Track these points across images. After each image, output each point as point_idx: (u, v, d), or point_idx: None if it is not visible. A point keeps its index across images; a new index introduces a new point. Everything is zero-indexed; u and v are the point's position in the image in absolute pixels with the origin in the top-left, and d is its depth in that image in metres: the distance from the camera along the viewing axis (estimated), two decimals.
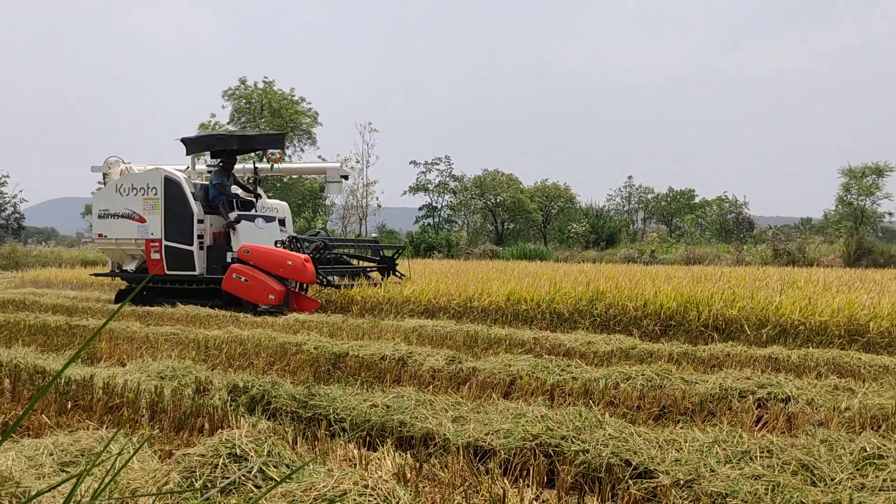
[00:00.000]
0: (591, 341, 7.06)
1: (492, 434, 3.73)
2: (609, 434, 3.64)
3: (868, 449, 3.28)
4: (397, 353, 6.17)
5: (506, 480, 3.36)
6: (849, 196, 32.28)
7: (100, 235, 12.97)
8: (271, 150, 13.01)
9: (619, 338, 7.35)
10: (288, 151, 48.96)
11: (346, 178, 14.22)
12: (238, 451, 3.00)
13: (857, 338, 7.53)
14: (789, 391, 4.71)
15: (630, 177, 72.51)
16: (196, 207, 11.98)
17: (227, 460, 2.95)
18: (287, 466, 2.99)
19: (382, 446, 3.84)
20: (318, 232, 12.76)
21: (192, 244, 11.90)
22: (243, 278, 10.91)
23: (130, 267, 12.86)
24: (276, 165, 13.30)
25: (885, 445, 3.30)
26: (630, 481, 3.26)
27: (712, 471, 3.21)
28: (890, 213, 37.97)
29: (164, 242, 12.09)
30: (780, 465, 3.22)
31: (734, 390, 4.79)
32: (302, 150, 48.37)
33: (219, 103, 46.24)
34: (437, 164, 53.99)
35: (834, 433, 3.59)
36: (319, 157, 43.46)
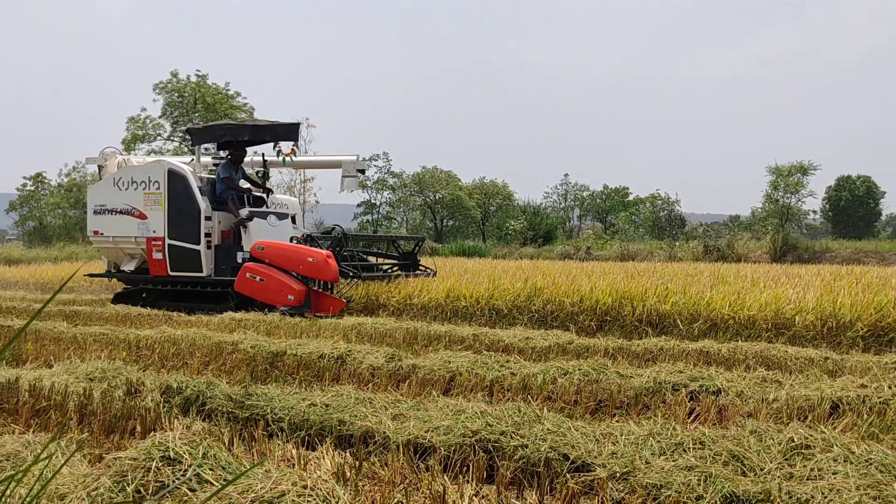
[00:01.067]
0: (530, 337, 7.13)
1: (432, 431, 3.73)
2: (547, 429, 3.68)
3: (796, 439, 3.40)
4: (336, 351, 6.11)
5: (446, 477, 3.37)
6: (776, 194, 33.44)
7: (95, 233, 11.87)
8: (284, 143, 11.91)
9: (556, 333, 7.45)
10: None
11: (362, 172, 12.85)
12: (172, 454, 2.92)
13: (783, 331, 7.80)
14: (720, 384, 4.85)
15: (566, 174, 73.48)
16: (203, 203, 10.95)
17: (160, 463, 2.87)
18: (223, 468, 2.93)
19: (321, 446, 3.80)
20: (334, 228, 11.67)
21: (198, 243, 10.90)
22: (258, 278, 10.04)
23: (129, 267, 11.76)
24: (287, 159, 12.21)
25: (811, 436, 3.43)
26: (568, 475, 3.31)
27: (647, 463, 3.28)
28: (814, 211, 39.44)
29: (168, 241, 11.08)
30: (712, 456, 3.31)
31: (668, 384, 4.90)
32: None
33: (149, 96, 45.07)
34: (376, 160, 53.78)
35: (763, 424, 3.71)
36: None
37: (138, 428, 4.01)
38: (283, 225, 11.16)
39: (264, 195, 12.12)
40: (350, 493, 2.81)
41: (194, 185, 10.99)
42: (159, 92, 43.14)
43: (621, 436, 3.62)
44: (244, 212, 11.05)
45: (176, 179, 11.08)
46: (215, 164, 12.03)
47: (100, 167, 12.74)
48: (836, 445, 3.31)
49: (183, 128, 40.44)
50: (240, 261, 10.75)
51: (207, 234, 11.00)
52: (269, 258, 10.10)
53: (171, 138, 41.84)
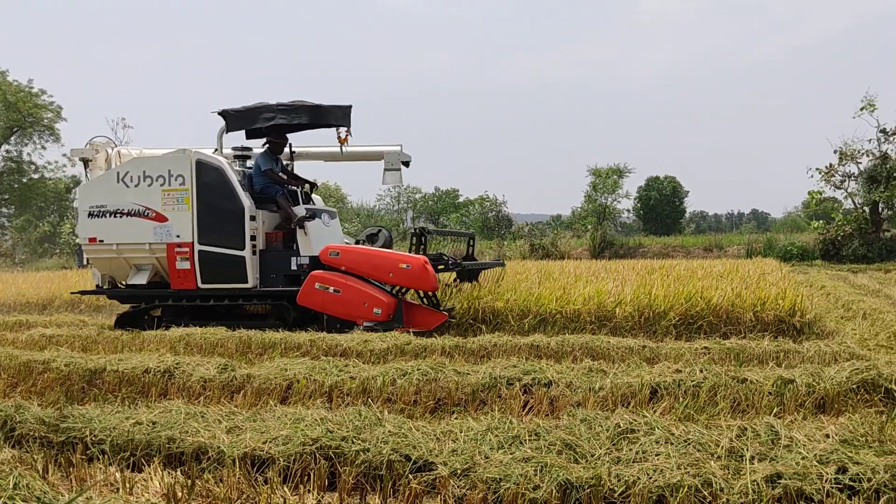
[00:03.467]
0: (368, 340, 7.10)
1: (270, 442, 3.61)
2: (389, 431, 3.67)
3: (622, 424, 3.61)
4: (163, 364, 5.77)
5: (286, 488, 3.27)
6: (595, 194, 35.55)
7: (91, 240, 9.54)
8: (341, 128, 9.97)
9: (394, 334, 7.46)
10: (27, 149, 44.24)
11: (406, 164, 10.88)
12: None
13: (605, 323, 8.29)
14: (551, 376, 5.05)
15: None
16: (248, 201, 9.10)
17: None
18: (38, 500, 2.66)
19: (149, 466, 3.57)
20: (380, 231, 10.04)
21: (242, 248, 9.02)
22: (331, 288, 8.50)
23: (138, 280, 9.56)
24: (343, 148, 10.20)
25: (635, 420, 3.65)
26: (411, 476, 3.31)
27: (486, 458, 3.35)
28: (628, 210, 42.31)
29: (198, 247, 9.14)
30: (546, 447, 3.44)
31: (503, 378, 5.04)
32: (43, 148, 43.92)
33: None
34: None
35: (591, 412, 3.91)
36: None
37: None
38: (335, 225, 9.72)
39: (310, 190, 10.42)
40: None
41: (233, 178, 9.16)
42: None
43: (461, 433, 3.68)
44: (300, 210, 9.37)
45: (208, 172, 9.18)
46: (235, 157, 10.20)
47: (86, 161, 10.43)
48: (658, 428, 3.54)
49: None
50: (294, 268, 9.16)
51: (253, 238, 9.15)
52: (347, 265, 8.61)
53: None
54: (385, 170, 10.77)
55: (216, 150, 9.92)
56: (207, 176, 9.16)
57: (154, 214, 9.29)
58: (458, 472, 3.25)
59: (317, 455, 3.48)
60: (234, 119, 9.77)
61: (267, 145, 9.82)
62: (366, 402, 4.69)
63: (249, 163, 10.17)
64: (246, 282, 9.04)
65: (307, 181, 10.33)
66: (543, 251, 29.60)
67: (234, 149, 10.24)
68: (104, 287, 9.96)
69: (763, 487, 2.95)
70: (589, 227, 32.66)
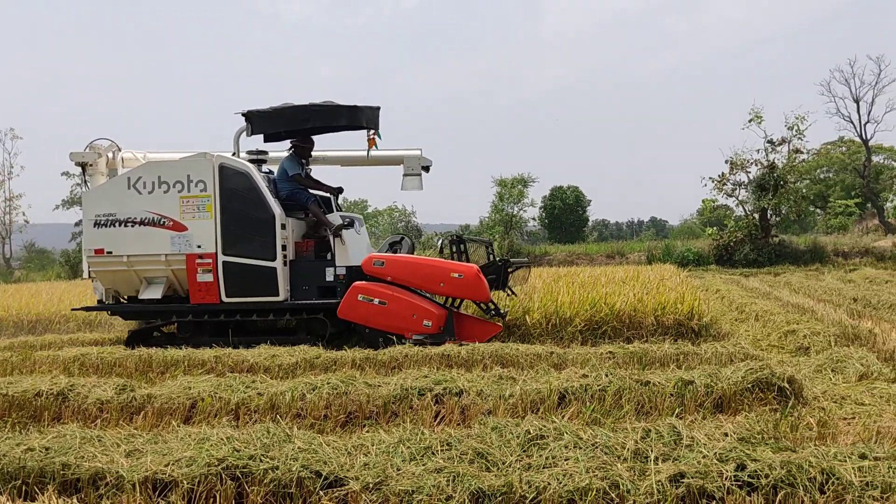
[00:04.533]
0: (276, 354, 6.95)
1: (172, 464, 3.47)
2: (298, 447, 3.59)
3: (532, 431, 3.66)
4: (56, 386, 5.46)
5: None
6: (501, 204, 36.09)
7: (98, 251, 8.69)
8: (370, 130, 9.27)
9: (303, 349, 7.33)
10: None
11: (427, 169, 10.25)
12: None
13: (514, 330, 8.41)
14: (462, 385, 5.07)
15: None
16: (278, 208, 8.48)
17: None
18: None
19: (43, 494, 3.37)
20: (402, 238, 9.48)
21: (274, 259, 8.41)
22: (377, 300, 8.03)
23: (152, 294, 8.77)
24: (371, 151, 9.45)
25: (545, 426, 3.71)
26: (321, 492, 3.25)
27: (399, 470, 3.32)
28: (533, 218, 43.16)
29: (222, 258, 8.46)
30: (458, 456, 3.45)
31: (414, 389, 5.03)
32: None
33: None
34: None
35: (502, 420, 3.95)
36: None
37: None
38: (364, 232, 9.15)
39: (332, 197, 9.61)
40: None
41: (262, 184, 8.51)
42: None
43: (372, 446, 3.65)
44: (334, 217, 8.77)
45: (233, 178, 8.49)
46: (251, 161, 9.23)
47: (84, 165, 9.51)
48: (567, 433, 3.61)
49: None
50: (330, 279, 8.61)
51: (284, 247, 8.53)
52: (392, 275, 8.17)
53: None
54: (404, 175, 10.13)
55: (234, 153, 9.25)
56: (232, 181, 8.51)
57: (171, 223, 8.57)
58: (370, 486, 3.22)
59: (223, 476, 3.37)
60: (260, 121, 9.07)
61: (292, 149, 9.25)
62: (274, 418, 4.59)
63: (264, 167, 9.52)
64: (277, 294, 8.46)
65: (333, 187, 9.59)
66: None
67: (249, 153, 9.55)
68: (107, 302, 9.10)
69: (667, 487, 3.04)
70: (496, 235, 33.09)
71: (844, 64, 56.39)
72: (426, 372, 5.53)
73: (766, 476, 3.08)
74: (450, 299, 8.33)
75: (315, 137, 9.41)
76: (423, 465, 3.36)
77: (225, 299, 8.50)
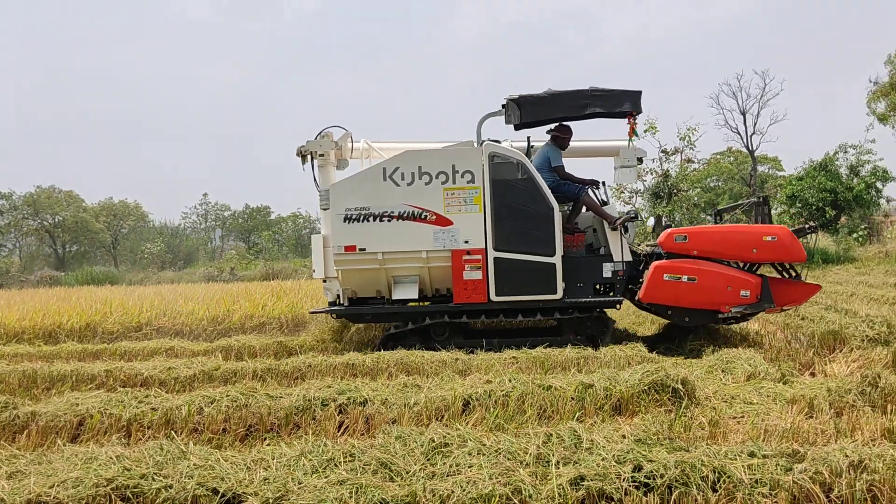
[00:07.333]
0: (172, 367, 6.69)
1: (58, 486, 3.27)
2: (194, 464, 3.46)
3: (436, 439, 3.64)
4: None
5: None
6: None
7: (349, 249, 7.97)
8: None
9: (201, 360, 7.09)
10: None
11: (641, 160, 9.26)
12: None
13: None
14: (366, 394, 5.01)
15: (206, 194, 71.11)
16: (555, 202, 7.95)
17: None
18: None
19: None
20: (636, 213, 8.78)
21: (553, 254, 7.88)
22: (685, 277, 7.60)
23: (408, 294, 8.12)
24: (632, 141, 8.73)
25: (449, 434, 3.70)
26: None
27: (300, 484, 3.25)
28: None
29: (493, 254, 7.88)
30: (362, 467, 3.40)
31: (317, 400, 4.93)
32: None
33: None
34: None
35: (406, 428, 3.92)
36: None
37: None
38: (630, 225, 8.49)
39: (604, 188, 8.95)
40: None
41: (538, 175, 7.97)
42: None
43: (273, 459, 3.55)
44: (612, 210, 8.36)
45: (505, 168, 7.98)
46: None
47: (312, 155, 8.69)
48: (470, 440, 3.62)
49: None
50: (608, 275, 8.12)
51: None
52: (698, 248, 7.75)
53: None
54: (620, 167, 9.19)
55: (485, 141, 8.39)
56: (504, 172, 8.02)
57: (434, 217, 8.00)
58: (271, 501, 3.13)
59: (112, 497, 3.20)
60: (532, 107, 8.40)
61: (552, 138, 8.67)
62: (169, 434, 4.41)
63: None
64: (554, 292, 7.95)
65: (587, 180, 8.83)
66: None
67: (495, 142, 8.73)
68: (340, 304, 8.42)
69: (568, 490, 3.09)
70: None
71: (732, 78, 59.58)
72: (330, 382, 5.45)
73: (662, 476, 3.17)
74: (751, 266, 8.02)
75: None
76: (326, 477, 3.29)
77: (494, 298, 7.97)
